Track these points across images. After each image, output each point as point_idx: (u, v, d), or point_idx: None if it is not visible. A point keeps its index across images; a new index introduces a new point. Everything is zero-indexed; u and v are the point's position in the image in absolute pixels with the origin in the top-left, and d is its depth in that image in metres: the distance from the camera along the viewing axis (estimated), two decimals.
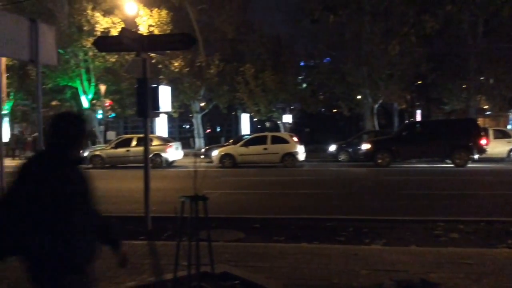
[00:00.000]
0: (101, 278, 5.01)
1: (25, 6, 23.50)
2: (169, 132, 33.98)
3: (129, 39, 7.03)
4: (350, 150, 23.10)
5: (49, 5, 27.64)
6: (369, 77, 30.10)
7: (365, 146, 20.54)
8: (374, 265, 5.43)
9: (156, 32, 28.17)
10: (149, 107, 7.47)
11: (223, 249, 6.11)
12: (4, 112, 24.22)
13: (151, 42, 7.38)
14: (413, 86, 35.63)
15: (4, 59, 19.90)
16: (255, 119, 43.83)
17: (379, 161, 19.74)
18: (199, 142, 36.62)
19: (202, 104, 37.56)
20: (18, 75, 31.12)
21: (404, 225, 8.01)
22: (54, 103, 36.88)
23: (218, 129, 60.76)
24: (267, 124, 49.03)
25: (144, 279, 4.94)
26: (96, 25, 28.97)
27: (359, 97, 33.36)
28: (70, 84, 31.92)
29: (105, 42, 8.23)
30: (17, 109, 37.71)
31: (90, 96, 32.09)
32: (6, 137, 24.74)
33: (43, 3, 27.42)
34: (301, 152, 21.00)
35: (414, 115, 38.03)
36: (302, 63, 40.59)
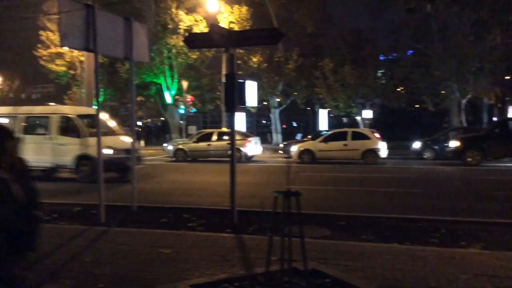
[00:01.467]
0: (193, 269, 5.14)
1: (115, 6, 24.79)
2: (247, 127, 34.39)
3: (219, 35, 7.14)
4: (436, 147, 21.99)
5: (138, 4, 28.98)
6: (457, 70, 28.48)
7: (454, 144, 19.43)
8: (473, 270, 5.09)
9: (236, 28, 28.59)
10: (236, 101, 7.55)
11: (310, 246, 5.99)
12: (94, 107, 25.82)
13: (239, 37, 7.45)
14: (504, 80, 33.23)
15: (94, 57, 21.04)
16: (332, 115, 43.19)
17: (469, 159, 18.60)
18: (276, 138, 36.75)
19: (279, 100, 37.65)
20: (108, 72, 32.94)
21: (503, 228, 7.46)
22: (139, 98, 38.73)
23: (294, 124, 60.65)
24: (345, 120, 48.11)
25: (236, 272, 4.99)
26: (180, 23, 29.96)
27: (443, 92, 31.73)
28: (154, 80, 33.32)
29: (195, 39, 8.43)
30: (106, 104, 40.05)
31: (173, 92, 33.31)
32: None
33: (132, 2, 28.80)
34: (383, 149, 20.35)
35: (505, 111, 35.48)
36: (381, 57, 39.29)
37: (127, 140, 14.18)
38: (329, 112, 40.54)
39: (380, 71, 37.42)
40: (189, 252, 5.86)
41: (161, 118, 49.90)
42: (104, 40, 7.82)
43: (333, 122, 47.55)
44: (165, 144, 24.96)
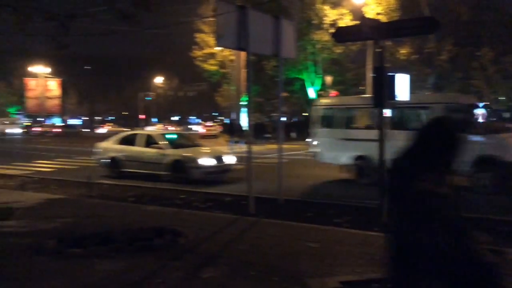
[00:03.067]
0: (341, 265, 5.09)
1: (263, 4, 25.72)
2: None
3: (369, 27, 6.94)
4: None
5: (284, 2, 29.65)
6: None
7: None
8: None
9: (383, 20, 27.57)
10: (385, 96, 7.26)
11: None
12: (243, 103, 27.15)
13: (390, 29, 7.15)
14: None
15: (244, 55, 21.74)
16: (489, 109, 39.21)
17: None
18: None
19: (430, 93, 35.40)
20: (255, 69, 34.31)
21: None
22: (284, 94, 39.65)
23: None
24: (506, 114, 43.34)
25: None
26: (325, 18, 29.91)
27: None
28: (298, 76, 33.82)
29: (343, 33, 8.32)
30: (252, 100, 41.80)
31: (317, 88, 33.45)
32: (245, 126, 27.59)
33: (279, 0, 29.58)
34: None
35: None
36: None
37: None
38: (486, 106, 36.93)
39: None
40: (336, 248, 5.83)
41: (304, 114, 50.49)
42: (255, 39, 8.14)
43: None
44: (308, 139, 25.16)
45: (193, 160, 12.74)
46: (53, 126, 62.85)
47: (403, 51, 31.31)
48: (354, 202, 9.31)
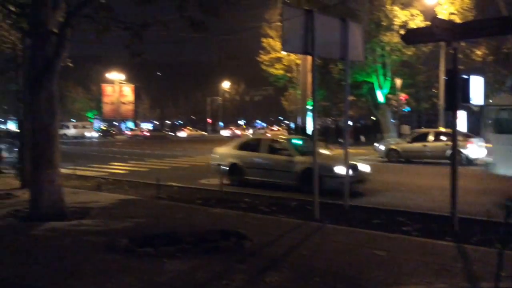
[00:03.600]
0: (409, 275, 4.92)
1: (331, 7, 25.48)
2: (469, 128, 31.42)
3: (440, 28, 6.68)
4: None
5: (352, 4, 29.20)
6: None
7: None
8: None
9: (457, 20, 26.39)
10: (458, 99, 6.96)
11: None
12: (309, 107, 27.03)
13: (464, 29, 6.85)
14: None
15: (310, 59, 21.67)
16: None
17: None
18: None
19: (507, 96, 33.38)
20: (321, 73, 34.04)
21: None
22: (350, 98, 39.04)
23: None
24: None
25: (457, 284, 4.60)
26: (394, 19, 29.12)
27: None
28: (366, 79, 33.13)
29: (413, 34, 8.08)
30: (318, 104, 41.50)
31: (385, 91, 32.61)
32: (310, 131, 27.45)
33: (347, 3, 29.19)
34: None
35: None
36: None
37: None
38: None
39: None
40: (404, 257, 5.64)
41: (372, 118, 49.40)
42: (321, 43, 8.09)
43: None
44: (376, 144, 24.59)
45: (329, 168, 11.09)
46: (144, 130, 66.87)
47: (479, 52, 29.78)
48: (423, 210, 8.98)
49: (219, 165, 12.50)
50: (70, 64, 10.58)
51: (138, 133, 65.08)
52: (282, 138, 14.45)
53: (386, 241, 6.40)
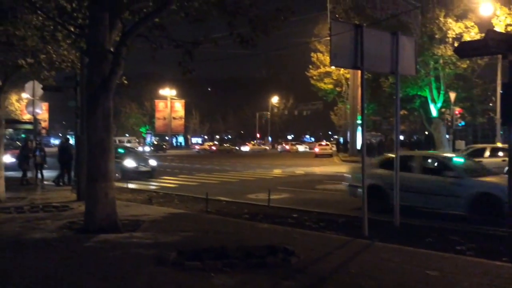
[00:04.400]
0: None
1: (381, 21, 25.22)
2: None
3: (495, 41, 6.45)
4: None
5: (404, 17, 28.75)
6: None
7: None
8: None
9: None
10: None
11: None
12: (358, 122, 26.69)
13: None
14: None
15: (360, 73, 21.59)
16: None
17: None
18: None
19: None
20: (371, 87, 33.58)
21: None
22: (402, 112, 38.20)
23: None
24: None
25: None
26: (448, 32, 28.39)
27: None
28: (419, 93, 32.35)
29: (467, 47, 7.84)
30: (369, 119, 40.89)
31: (439, 105, 31.69)
32: (359, 145, 27.05)
33: (398, 16, 28.77)
34: None
35: None
36: None
37: None
38: None
39: None
40: (458, 277, 5.41)
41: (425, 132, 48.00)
42: (371, 57, 8.00)
43: None
44: None
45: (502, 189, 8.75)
46: (211, 144, 70.19)
47: None
48: (480, 228, 8.59)
49: (354, 186, 11.03)
50: (125, 82, 11.01)
51: (206, 147, 68.21)
52: (441, 155, 12.63)
53: (439, 261, 6.16)
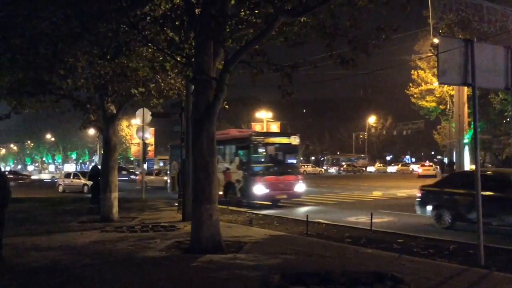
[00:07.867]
0: None
1: (490, 36, 23.61)
2: None
3: None
4: None
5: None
6: None
7: None
8: None
9: None
10: None
11: None
12: (465, 141, 24.99)
13: None
14: None
15: (465, 89, 20.08)
16: None
17: None
18: None
19: None
20: (479, 104, 31.46)
21: None
22: None
23: None
24: None
25: None
26: None
27: None
28: None
29: None
30: (478, 138, 38.17)
31: None
32: (467, 165, 25.22)
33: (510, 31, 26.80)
34: None
35: None
36: None
37: None
38: None
39: None
40: None
41: None
42: (482, 73, 7.51)
43: None
44: None
45: None
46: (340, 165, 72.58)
47: None
48: None
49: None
50: (226, 106, 11.40)
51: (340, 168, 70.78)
52: None
53: None
